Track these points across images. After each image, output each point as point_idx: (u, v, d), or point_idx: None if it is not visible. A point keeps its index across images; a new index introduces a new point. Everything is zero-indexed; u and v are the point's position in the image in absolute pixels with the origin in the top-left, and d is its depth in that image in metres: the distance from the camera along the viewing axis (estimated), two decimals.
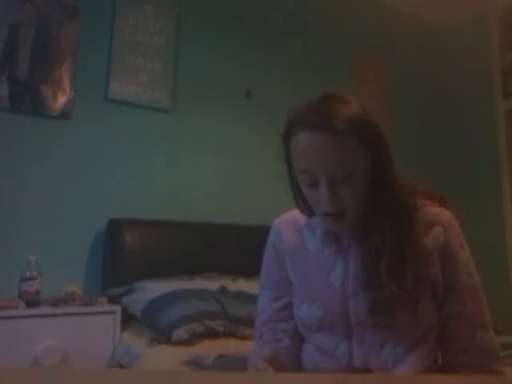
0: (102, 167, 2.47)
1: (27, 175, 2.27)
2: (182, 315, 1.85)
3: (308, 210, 1.03)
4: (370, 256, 0.94)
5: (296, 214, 1.10)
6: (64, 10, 2.44)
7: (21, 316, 1.88)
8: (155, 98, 2.66)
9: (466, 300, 0.95)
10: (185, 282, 2.17)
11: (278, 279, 1.08)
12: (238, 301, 2.02)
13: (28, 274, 1.97)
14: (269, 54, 3.09)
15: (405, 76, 3.64)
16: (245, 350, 1.66)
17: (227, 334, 1.90)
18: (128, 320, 2.09)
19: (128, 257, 2.29)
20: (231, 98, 2.93)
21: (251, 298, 1.98)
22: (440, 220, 0.97)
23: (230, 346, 1.80)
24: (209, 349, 1.77)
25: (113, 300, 2.14)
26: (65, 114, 2.39)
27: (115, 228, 2.33)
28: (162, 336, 1.84)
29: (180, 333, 1.80)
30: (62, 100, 2.39)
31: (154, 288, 2.07)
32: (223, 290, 2.11)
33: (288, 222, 1.11)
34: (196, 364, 1.68)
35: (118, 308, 2.08)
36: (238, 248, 2.53)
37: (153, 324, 1.92)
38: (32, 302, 1.94)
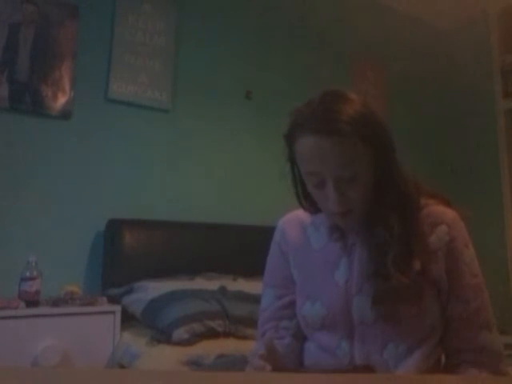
0: (102, 167, 2.47)
1: (27, 175, 2.27)
2: (182, 315, 1.85)
3: (311, 208, 1.04)
4: (376, 247, 0.94)
5: (300, 213, 1.11)
6: (64, 10, 2.44)
7: (21, 316, 1.88)
8: (155, 97, 2.66)
9: (468, 299, 0.95)
10: (185, 282, 2.17)
11: (282, 278, 1.09)
12: (237, 301, 2.02)
13: (28, 273, 1.97)
14: (269, 54, 3.09)
15: (404, 76, 3.64)
16: (245, 349, 1.66)
17: (227, 334, 1.90)
18: (128, 320, 2.09)
19: (128, 257, 2.29)
20: (231, 98, 2.93)
21: (251, 298, 1.99)
22: (445, 219, 0.97)
23: (229, 346, 1.80)
24: (209, 349, 1.77)
25: (113, 300, 2.14)
26: (65, 114, 2.39)
27: (115, 228, 2.33)
28: (162, 336, 1.84)
29: (180, 333, 1.80)
30: (62, 100, 2.39)
31: (154, 288, 2.07)
32: (223, 290, 2.11)
33: (292, 221, 1.11)
34: (196, 364, 1.69)
35: (117, 308, 2.08)
36: (238, 248, 2.53)
37: (153, 324, 1.92)
38: (32, 301, 1.94)
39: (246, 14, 3.06)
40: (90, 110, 2.47)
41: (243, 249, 2.50)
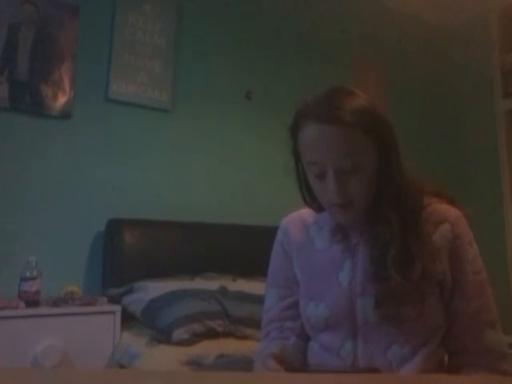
0: (102, 167, 2.47)
1: (27, 175, 2.27)
2: (182, 315, 1.85)
3: (315, 205, 1.04)
4: (377, 247, 0.94)
5: (304, 213, 1.10)
6: (64, 10, 2.44)
7: (21, 316, 1.88)
8: (155, 97, 2.66)
9: (471, 297, 0.95)
10: (185, 282, 2.17)
11: (285, 278, 1.08)
12: (237, 301, 2.02)
13: (28, 274, 1.97)
14: (269, 54, 3.09)
15: (405, 76, 3.64)
16: (245, 349, 1.66)
17: (227, 334, 1.90)
18: (128, 320, 2.09)
19: (128, 257, 2.29)
20: (231, 98, 2.92)
21: (251, 298, 1.99)
22: (448, 217, 0.97)
23: (229, 346, 1.80)
24: (209, 349, 1.77)
25: (113, 300, 2.13)
26: (65, 114, 2.39)
27: (115, 228, 2.33)
28: (162, 336, 1.84)
29: (180, 333, 1.80)
30: (62, 100, 2.39)
31: (154, 288, 2.07)
32: (223, 290, 2.11)
33: (296, 220, 1.11)
34: (196, 364, 1.68)
35: (117, 308, 2.08)
36: (238, 248, 2.53)
37: (153, 324, 1.92)
38: (32, 301, 1.94)
39: (245, 13, 3.06)
40: (89, 110, 2.47)
41: (243, 249, 2.50)
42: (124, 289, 2.14)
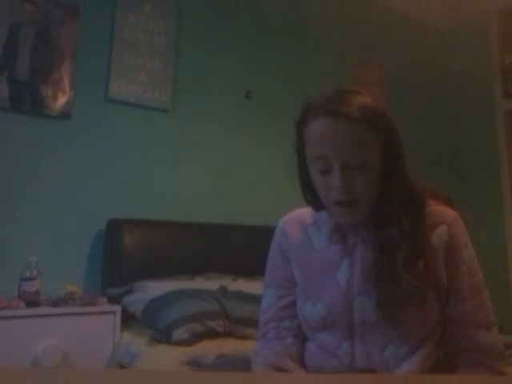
0: (102, 167, 2.47)
1: (27, 175, 2.27)
2: (182, 315, 1.85)
3: (315, 204, 1.03)
4: (383, 249, 0.94)
5: (302, 213, 1.10)
6: (64, 10, 2.44)
7: (21, 316, 1.88)
8: (155, 97, 2.66)
9: (466, 298, 0.95)
10: (185, 281, 2.17)
11: (283, 278, 1.08)
12: (237, 301, 2.02)
13: (28, 274, 1.97)
14: (269, 54, 3.09)
15: (405, 77, 3.64)
16: (245, 349, 1.66)
17: (227, 334, 1.90)
18: (128, 320, 2.09)
19: (128, 257, 2.29)
20: (231, 97, 2.93)
21: (251, 298, 1.99)
22: (445, 219, 0.98)
23: (229, 346, 1.80)
24: (209, 349, 1.77)
25: (113, 300, 2.13)
26: (65, 114, 2.39)
27: (115, 228, 2.33)
28: (162, 336, 1.84)
29: (180, 333, 1.80)
30: (62, 100, 2.39)
31: (154, 288, 2.07)
32: (223, 289, 2.11)
33: (294, 220, 1.11)
34: (196, 364, 1.68)
35: (117, 308, 2.08)
36: (238, 248, 2.53)
37: (153, 324, 1.92)
38: (32, 302, 1.94)
39: (245, 14, 3.06)
40: (89, 110, 2.47)
41: (243, 249, 2.50)
42: (124, 289, 2.14)
